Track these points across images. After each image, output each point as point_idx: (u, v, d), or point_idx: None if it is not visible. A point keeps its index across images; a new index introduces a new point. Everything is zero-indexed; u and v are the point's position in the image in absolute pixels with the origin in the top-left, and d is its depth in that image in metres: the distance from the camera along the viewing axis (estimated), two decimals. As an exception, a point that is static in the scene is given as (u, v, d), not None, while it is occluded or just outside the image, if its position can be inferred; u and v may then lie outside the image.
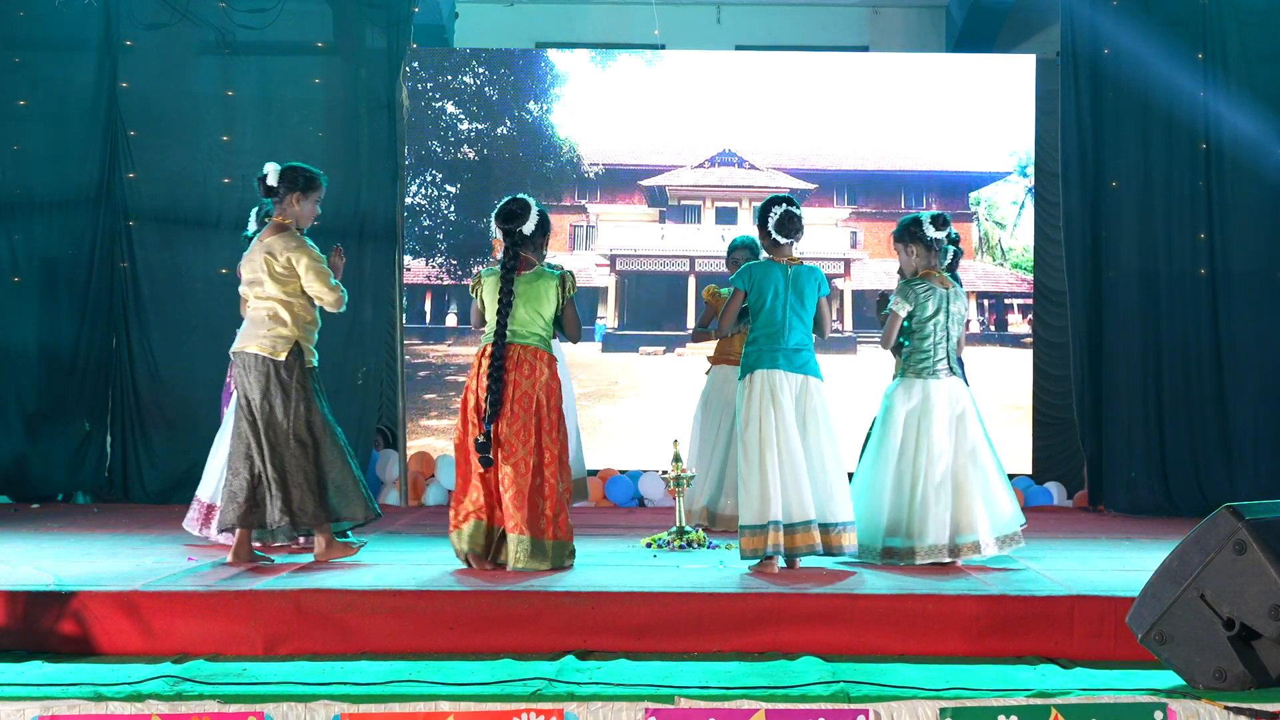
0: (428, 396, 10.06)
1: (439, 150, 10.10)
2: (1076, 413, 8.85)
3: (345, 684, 4.00)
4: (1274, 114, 8.76)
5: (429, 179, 10.04)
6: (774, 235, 5.51)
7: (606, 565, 5.63)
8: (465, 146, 10.13)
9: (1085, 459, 8.95)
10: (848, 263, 9.95)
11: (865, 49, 10.83)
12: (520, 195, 5.53)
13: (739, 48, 10.70)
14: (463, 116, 10.12)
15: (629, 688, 3.93)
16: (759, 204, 5.67)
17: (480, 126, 10.12)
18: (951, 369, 5.65)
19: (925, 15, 10.90)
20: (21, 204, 8.96)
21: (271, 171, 5.56)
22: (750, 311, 5.56)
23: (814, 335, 5.64)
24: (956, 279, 5.97)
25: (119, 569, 5.34)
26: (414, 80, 9.93)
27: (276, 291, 5.49)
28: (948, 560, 5.50)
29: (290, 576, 5.11)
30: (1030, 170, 9.91)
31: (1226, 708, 3.76)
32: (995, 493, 5.63)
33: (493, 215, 5.53)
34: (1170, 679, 4.06)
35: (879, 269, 9.88)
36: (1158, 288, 8.84)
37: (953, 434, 5.59)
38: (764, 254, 5.69)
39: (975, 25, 10.32)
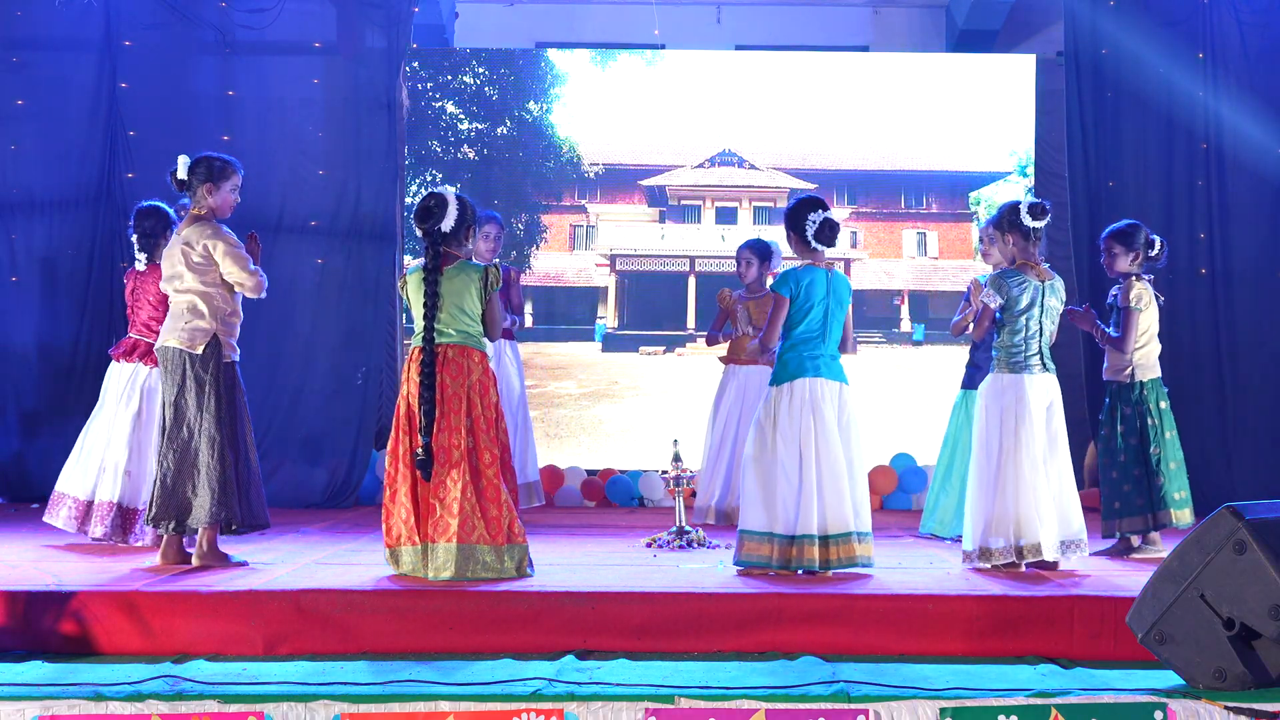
0: (428, 396, 10.04)
1: (439, 150, 10.10)
2: (1089, 411, 8.84)
3: (345, 684, 3.99)
4: (1274, 114, 8.76)
5: (429, 179, 10.03)
6: (813, 244, 5.41)
7: (606, 565, 5.63)
8: (465, 146, 10.13)
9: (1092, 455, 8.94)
10: (848, 263, 9.95)
11: (865, 49, 10.82)
12: (439, 190, 5.28)
13: (739, 48, 10.70)
14: (463, 116, 10.11)
15: (629, 688, 3.92)
16: (788, 205, 5.55)
17: (480, 126, 10.12)
18: (1045, 364, 5.52)
19: (925, 15, 10.90)
20: (21, 204, 8.95)
21: (181, 164, 5.49)
22: (790, 317, 5.42)
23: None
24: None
25: (119, 569, 5.34)
26: (414, 80, 9.93)
27: (195, 283, 5.39)
28: (1031, 560, 5.36)
29: (290, 576, 5.11)
30: (1030, 170, 9.91)
31: (1226, 708, 3.76)
32: (1065, 496, 5.51)
33: (414, 215, 5.31)
34: (1170, 679, 4.06)
35: (879, 269, 9.88)
36: (1158, 287, 8.82)
37: (1044, 431, 5.47)
38: (800, 259, 5.54)
39: (975, 25, 10.31)
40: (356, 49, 9.14)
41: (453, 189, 5.35)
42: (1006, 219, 5.56)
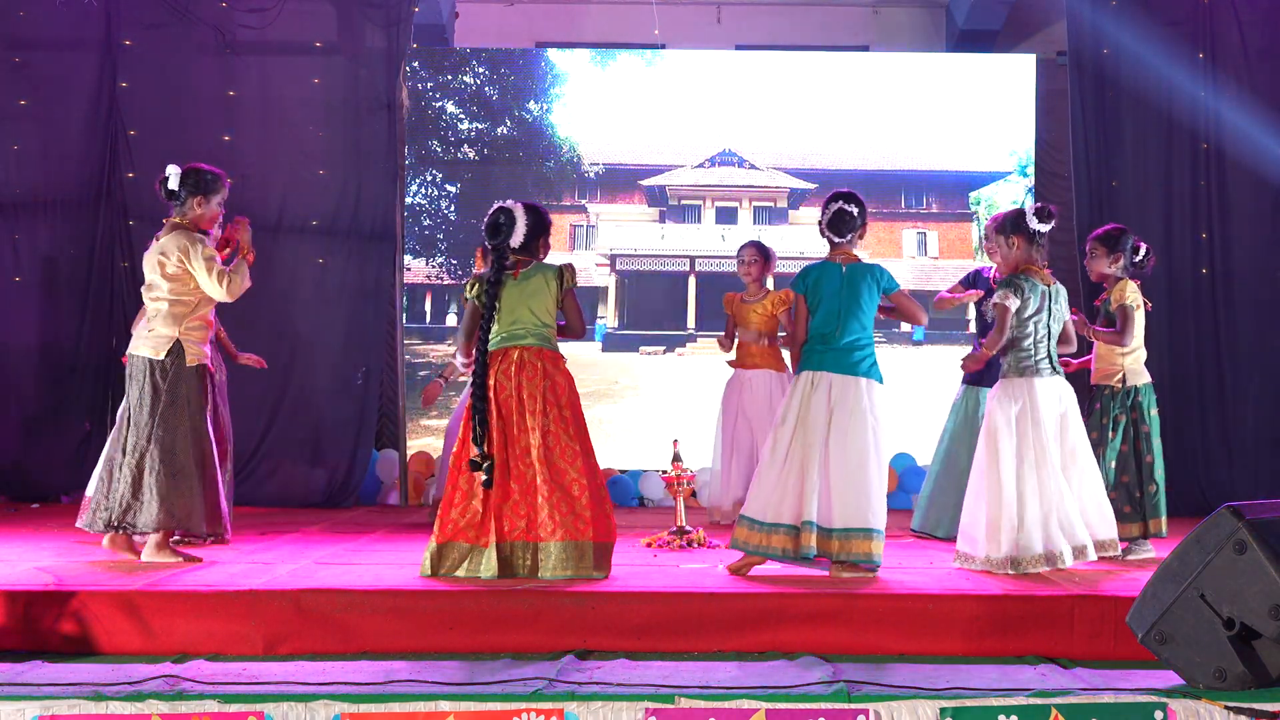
0: (428, 396, 10.06)
1: (439, 150, 10.10)
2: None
3: (345, 684, 3.99)
4: (1274, 114, 8.76)
5: (429, 179, 10.04)
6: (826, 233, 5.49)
7: (606, 565, 5.62)
8: (465, 146, 10.13)
9: None
10: (848, 263, 9.94)
11: (865, 49, 10.83)
12: (506, 205, 5.33)
13: (739, 48, 10.70)
14: (463, 116, 10.11)
15: (629, 688, 3.92)
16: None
17: (480, 126, 10.12)
18: (1054, 368, 5.51)
19: (925, 15, 10.90)
20: (22, 204, 8.95)
21: (173, 174, 5.56)
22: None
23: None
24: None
25: (119, 569, 5.34)
26: (414, 80, 9.93)
27: (166, 292, 5.49)
28: (1046, 569, 5.31)
29: (290, 576, 5.11)
30: (1030, 170, 9.91)
31: (1226, 708, 3.76)
32: (1094, 495, 5.51)
33: (484, 225, 5.36)
34: (1170, 679, 4.06)
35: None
36: (1159, 287, 8.83)
37: (1058, 434, 5.45)
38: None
39: (975, 25, 10.32)
40: (356, 49, 9.14)
41: (520, 204, 5.34)
42: (1011, 222, 5.56)
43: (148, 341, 5.50)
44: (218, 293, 5.51)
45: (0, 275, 8.92)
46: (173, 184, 5.55)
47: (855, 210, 5.43)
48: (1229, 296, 8.80)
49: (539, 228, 5.35)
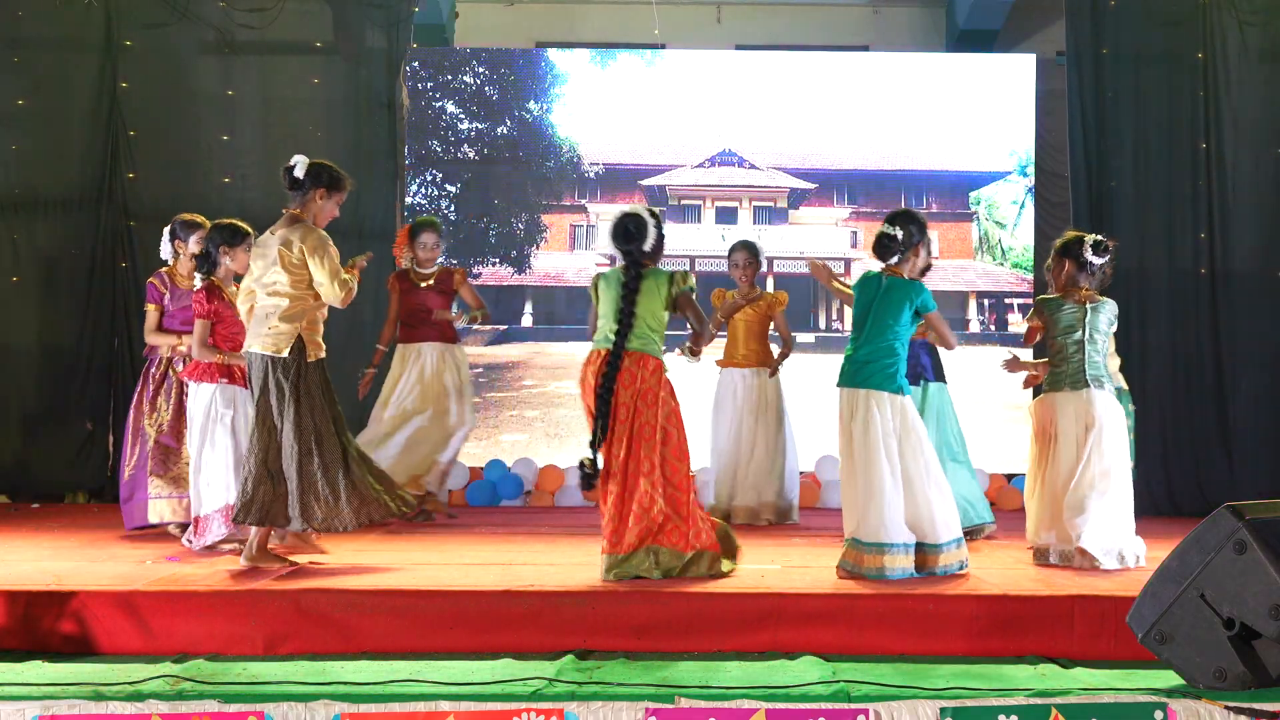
0: (428, 396, 10.05)
1: (439, 150, 10.10)
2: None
3: (345, 684, 3.99)
4: (1274, 114, 8.76)
5: (429, 179, 10.03)
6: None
7: (606, 565, 5.63)
8: (465, 146, 10.13)
9: None
10: (848, 262, 9.95)
11: (865, 49, 10.83)
12: (635, 211, 5.31)
13: (739, 47, 10.71)
14: (463, 116, 10.12)
15: (629, 688, 3.92)
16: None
17: (480, 126, 10.12)
18: (1088, 382, 5.65)
19: (926, 15, 10.91)
20: (22, 204, 8.97)
21: (299, 163, 5.42)
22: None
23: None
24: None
25: (119, 569, 5.34)
26: (414, 80, 9.93)
27: (286, 284, 5.32)
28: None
29: (290, 576, 5.11)
30: (1030, 170, 9.92)
31: (1226, 708, 3.76)
32: (1069, 498, 5.62)
33: (610, 232, 5.33)
34: (1170, 679, 4.06)
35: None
36: (1158, 287, 8.85)
37: (1077, 446, 5.62)
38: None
39: (975, 25, 10.33)
40: (356, 49, 9.15)
41: (651, 210, 5.34)
42: (1064, 247, 5.78)
43: (267, 338, 5.31)
44: (334, 297, 5.34)
45: (0, 275, 8.93)
46: (299, 172, 5.40)
47: (898, 233, 5.49)
48: (1229, 296, 8.80)
49: (662, 235, 5.36)
